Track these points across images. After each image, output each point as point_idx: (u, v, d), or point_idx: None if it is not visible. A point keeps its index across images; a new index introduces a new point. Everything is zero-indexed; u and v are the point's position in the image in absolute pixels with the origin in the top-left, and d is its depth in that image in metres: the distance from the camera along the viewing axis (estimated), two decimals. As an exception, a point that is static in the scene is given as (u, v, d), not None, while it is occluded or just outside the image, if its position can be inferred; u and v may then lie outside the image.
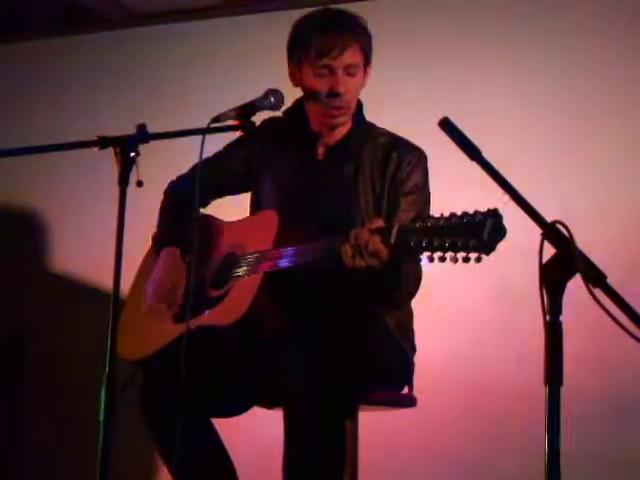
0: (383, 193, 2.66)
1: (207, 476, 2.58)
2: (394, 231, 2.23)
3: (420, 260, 2.58)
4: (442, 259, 2.05)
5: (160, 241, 2.84)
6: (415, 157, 2.68)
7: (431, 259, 2.08)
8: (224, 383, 2.57)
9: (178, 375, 2.33)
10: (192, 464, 2.51)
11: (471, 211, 2.03)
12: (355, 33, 2.65)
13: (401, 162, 2.66)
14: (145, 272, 2.89)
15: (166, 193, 2.97)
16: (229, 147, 2.89)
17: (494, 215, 1.96)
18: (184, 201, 2.77)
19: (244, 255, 2.63)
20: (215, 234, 2.78)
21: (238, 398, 2.62)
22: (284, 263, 2.49)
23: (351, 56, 2.62)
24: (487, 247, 1.96)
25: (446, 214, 2.09)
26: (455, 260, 2.02)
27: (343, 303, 2.58)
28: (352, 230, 2.34)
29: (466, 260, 2.00)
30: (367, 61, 2.69)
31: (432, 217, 2.12)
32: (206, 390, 2.54)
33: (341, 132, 2.73)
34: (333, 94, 2.61)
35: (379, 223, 2.31)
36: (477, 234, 1.97)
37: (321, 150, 2.74)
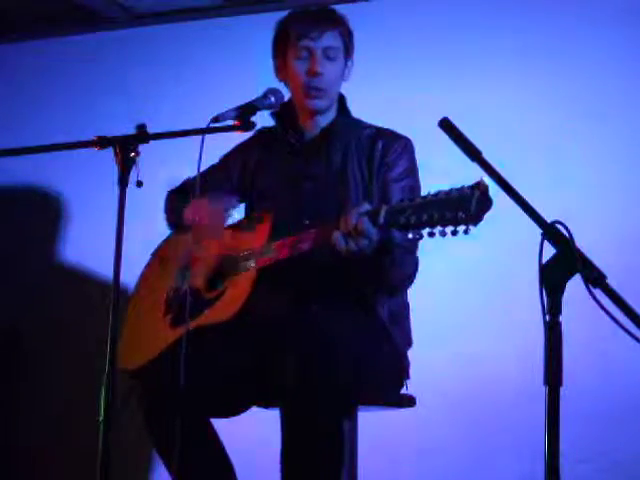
0: (372, 181, 2.68)
1: (207, 476, 2.58)
2: (382, 212, 2.25)
3: (413, 245, 2.60)
4: (431, 234, 2.08)
5: (177, 212, 2.82)
6: (401, 145, 2.72)
7: (420, 236, 2.10)
8: (223, 383, 2.57)
9: (177, 376, 2.33)
10: (192, 465, 2.51)
11: (457, 186, 2.05)
12: (334, 20, 2.73)
13: (387, 150, 2.70)
14: (146, 283, 2.89)
15: (166, 200, 2.98)
16: (225, 159, 2.92)
17: (480, 187, 1.98)
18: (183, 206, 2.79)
19: (239, 254, 2.64)
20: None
21: (237, 398, 2.62)
22: (278, 256, 2.50)
23: (330, 39, 2.69)
24: (475, 218, 1.99)
25: (432, 191, 2.12)
26: (444, 234, 2.05)
27: (339, 293, 2.60)
28: (341, 216, 2.36)
29: (454, 233, 2.02)
30: (347, 51, 2.74)
31: (419, 195, 2.16)
32: (205, 390, 2.54)
33: (324, 122, 2.76)
34: (311, 73, 2.67)
35: (366, 207, 2.34)
36: (465, 206, 2.00)
37: (305, 141, 2.77)
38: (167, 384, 2.44)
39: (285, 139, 2.79)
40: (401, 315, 2.73)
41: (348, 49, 2.75)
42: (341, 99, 2.79)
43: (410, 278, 2.66)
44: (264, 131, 2.85)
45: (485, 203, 1.98)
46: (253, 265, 2.55)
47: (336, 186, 2.69)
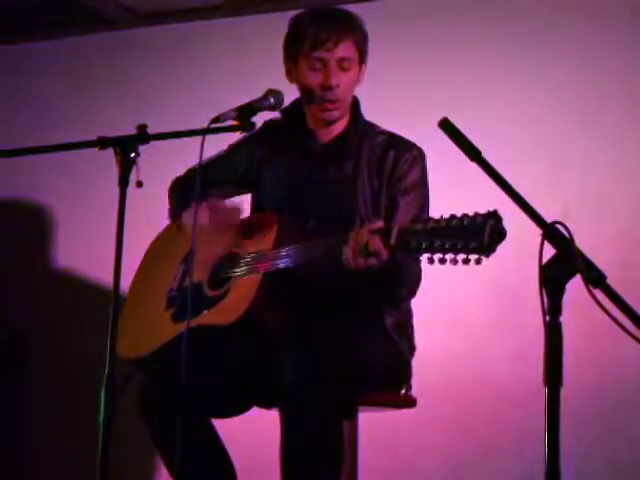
0: (381, 191, 2.66)
1: (207, 476, 2.58)
2: (394, 232, 2.22)
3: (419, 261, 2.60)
4: (442, 261, 2.03)
5: (178, 208, 2.81)
6: (412, 155, 2.68)
7: (431, 260, 2.07)
8: (223, 383, 2.57)
9: (178, 375, 2.33)
10: (192, 464, 2.51)
11: (471, 213, 2.02)
12: (350, 28, 2.66)
13: (398, 160, 2.67)
14: (146, 268, 2.89)
15: (170, 189, 2.96)
16: (231, 148, 2.89)
17: (494, 217, 1.95)
18: (190, 191, 2.76)
19: (244, 255, 2.64)
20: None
21: (237, 398, 2.62)
22: (284, 263, 2.50)
23: (345, 49, 2.63)
24: (487, 249, 1.95)
25: (446, 215, 2.08)
26: (455, 262, 2.01)
27: (343, 303, 2.59)
28: (352, 231, 2.35)
29: (466, 262, 1.98)
30: (362, 58, 2.69)
31: (432, 219, 2.11)
32: (206, 390, 2.53)
33: (337, 129, 2.73)
34: (326, 87, 2.62)
35: (379, 224, 2.32)
36: (477, 236, 1.96)
37: (318, 147, 2.74)
38: (167, 381, 2.44)
39: (295, 139, 2.76)
40: (405, 322, 2.73)
41: (362, 56, 2.69)
42: (355, 104, 2.75)
43: (414, 291, 2.66)
44: (272, 124, 2.81)
45: (498, 234, 1.94)
46: (257, 270, 2.54)
47: (345, 192, 2.67)
